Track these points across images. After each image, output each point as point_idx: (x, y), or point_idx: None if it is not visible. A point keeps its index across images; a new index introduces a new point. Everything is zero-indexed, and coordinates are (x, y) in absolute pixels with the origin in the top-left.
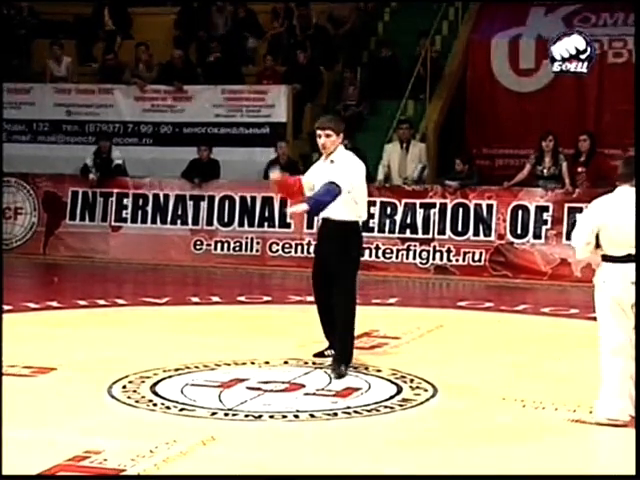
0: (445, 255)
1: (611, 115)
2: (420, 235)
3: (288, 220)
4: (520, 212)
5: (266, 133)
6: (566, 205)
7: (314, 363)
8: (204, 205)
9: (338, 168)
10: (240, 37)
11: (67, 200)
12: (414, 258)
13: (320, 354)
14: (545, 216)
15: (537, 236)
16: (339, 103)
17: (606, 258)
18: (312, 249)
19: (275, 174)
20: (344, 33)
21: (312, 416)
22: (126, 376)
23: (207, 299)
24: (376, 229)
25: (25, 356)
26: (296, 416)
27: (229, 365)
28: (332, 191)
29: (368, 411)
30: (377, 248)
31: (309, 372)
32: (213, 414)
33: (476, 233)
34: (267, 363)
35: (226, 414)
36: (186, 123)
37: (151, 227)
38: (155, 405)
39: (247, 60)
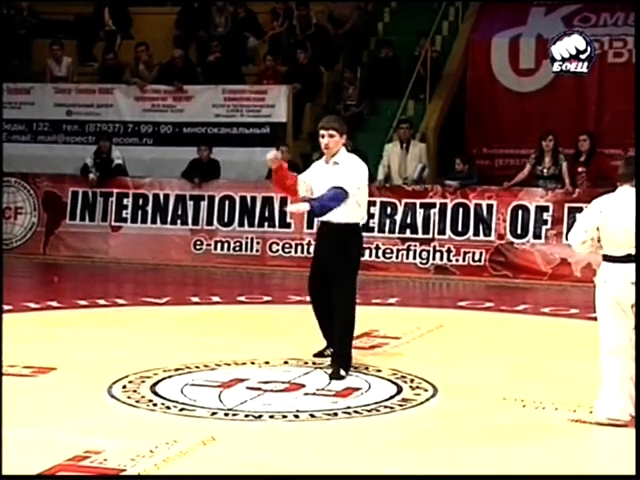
0: (445, 255)
1: (611, 115)
2: (420, 235)
3: (288, 220)
4: (520, 212)
5: (266, 133)
6: (566, 205)
7: (314, 363)
8: (204, 205)
9: (344, 172)
10: (240, 37)
11: (67, 200)
12: (414, 258)
13: (320, 354)
14: (545, 216)
15: (537, 236)
16: (339, 103)
17: (606, 258)
18: (312, 249)
19: (271, 154)
20: (344, 33)
21: (312, 416)
22: (126, 376)
23: (207, 299)
24: (376, 229)
25: (25, 356)
26: (296, 416)
27: (229, 365)
28: (339, 196)
29: (368, 411)
30: (377, 248)
31: (309, 372)
32: (213, 414)
33: (476, 233)
34: (267, 363)
35: (226, 414)
36: (186, 123)
37: (151, 227)
38: (155, 405)
39: (247, 60)
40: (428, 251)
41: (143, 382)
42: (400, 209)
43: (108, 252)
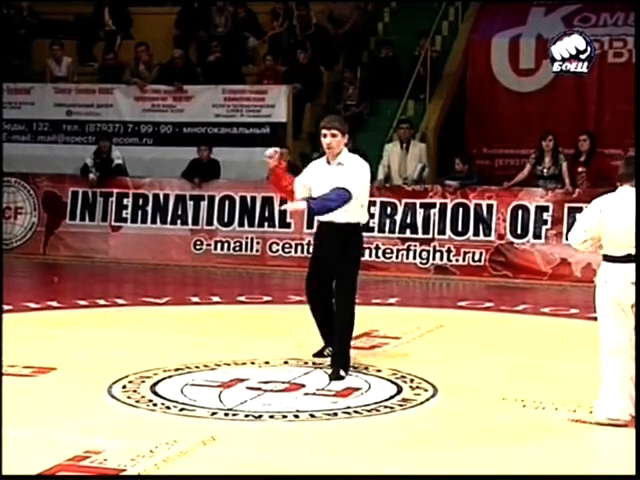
0: (445, 255)
1: (611, 115)
2: (420, 235)
3: (288, 220)
4: (520, 212)
5: (266, 133)
6: (566, 205)
7: (314, 363)
8: (204, 205)
9: (349, 173)
10: (240, 37)
11: (67, 200)
12: (414, 258)
13: (319, 354)
14: (545, 216)
15: (537, 236)
16: (339, 103)
17: (606, 258)
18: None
19: (270, 150)
20: (344, 33)
21: (312, 416)
22: (126, 376)
23: (207, 299)
24: (376, 229)
25: (25, 356)
26: (296, 416)
27: (229, 365)
28: (342, 197)
29: (368, 411)
30: (377, 248)
31: (309, 372)
32: (213, 414)
33: (476, 233)
34: (267, 363)
35: (226, 414)
36: (186, 123)
37: (151, 227)
38: (155, 405)
39: (247, 60)
40: (428, 251)
41: (143, 382)
42: (400, 209)
43: (108, 252)
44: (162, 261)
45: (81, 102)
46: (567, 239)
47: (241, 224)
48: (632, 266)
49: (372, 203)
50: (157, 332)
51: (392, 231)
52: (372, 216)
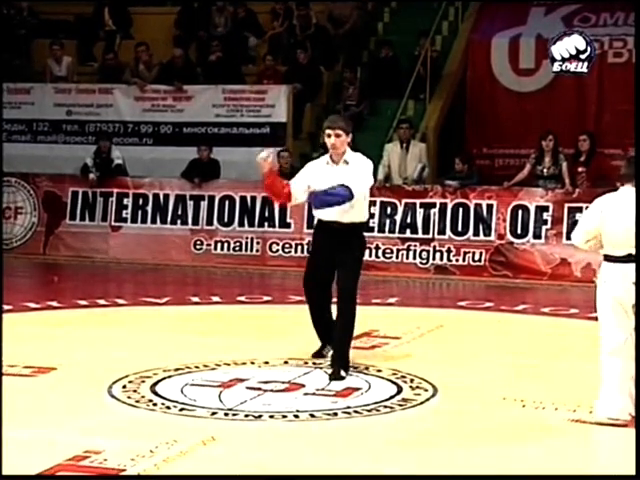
0: (445, 255)
1: (611, 115)
2: (420, 235)
3: (288, 220)
4: (520, 212)
5: (266, 133)
6: (566, 205)
7: (314, 363)
8: (204, 205)
9: (356, 172)
10: (240, 37)
11: (67, 200)
12: (414, 258)
13: (319, 354)
14: (545, 216)
15: (537, 236)
16: (339, 103)
17: (607, 258)
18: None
19: (264, 154)
20: (344, 33)
21: (312, 416)
22: (126, 376)
23: (207, 299)
24: (376, 229)
25: (25, 356)
26: (296, 416)
27: (229, 365)
28: (344, 195)
29: (368, 411)
30: (377, 248)
31: (309, 372)
32: (213, 414)
33: (476, 233)
34: (267, 363)
35: (226, 414)
36: (186, 123)
37: (151, 227)
38: (155, 405)
39: (247, 60)
40: (428, 251)
41: (143, 382)
42: (400, 209)
43: (108, 252)
44: (162, 261)
45: (81, 102)
46: (569, 239)
47: (241, 224)
48: (632, 266)
49: (372, 203)
50: (157, 332)
51: (392, 231)
52: (372, 216)
